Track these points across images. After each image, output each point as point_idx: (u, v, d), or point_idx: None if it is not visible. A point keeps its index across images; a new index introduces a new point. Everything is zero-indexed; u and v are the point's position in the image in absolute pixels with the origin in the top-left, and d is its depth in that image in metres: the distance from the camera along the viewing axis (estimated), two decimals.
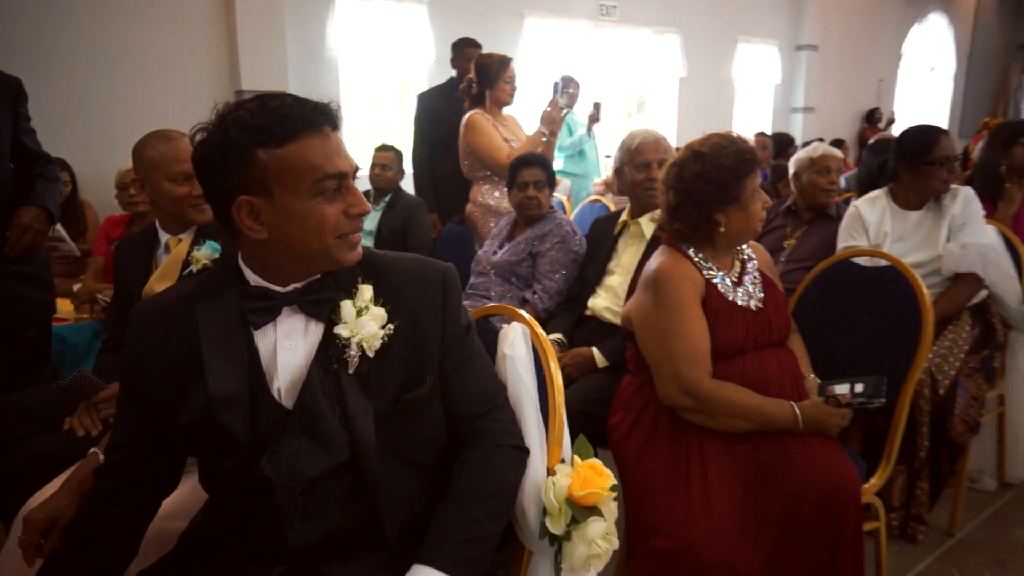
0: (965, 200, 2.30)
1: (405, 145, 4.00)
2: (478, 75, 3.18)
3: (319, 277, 1.03)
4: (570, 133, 4.79)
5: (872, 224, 2.37)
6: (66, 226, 3.23)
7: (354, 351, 1.00)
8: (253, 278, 1.02)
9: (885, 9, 9.79)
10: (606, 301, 2.18)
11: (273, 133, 0.92)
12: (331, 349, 1.01)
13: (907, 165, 2.34)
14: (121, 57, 4.22)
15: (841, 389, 1.57)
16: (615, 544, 1.12)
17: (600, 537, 1.09)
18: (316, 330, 1.02)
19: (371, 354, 1.01)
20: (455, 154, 3.36)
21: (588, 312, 2.22)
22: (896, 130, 7.83)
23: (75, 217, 3.65)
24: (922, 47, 10.67)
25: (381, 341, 1.01)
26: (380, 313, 1.02)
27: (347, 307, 1.01)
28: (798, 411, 1.53)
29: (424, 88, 4.61)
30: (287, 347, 1.01)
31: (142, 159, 1.75)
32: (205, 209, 1.78)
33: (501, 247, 2.61)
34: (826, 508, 1.47)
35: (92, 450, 1.45)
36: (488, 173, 3.19)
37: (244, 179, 0.93)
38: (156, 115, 4.15)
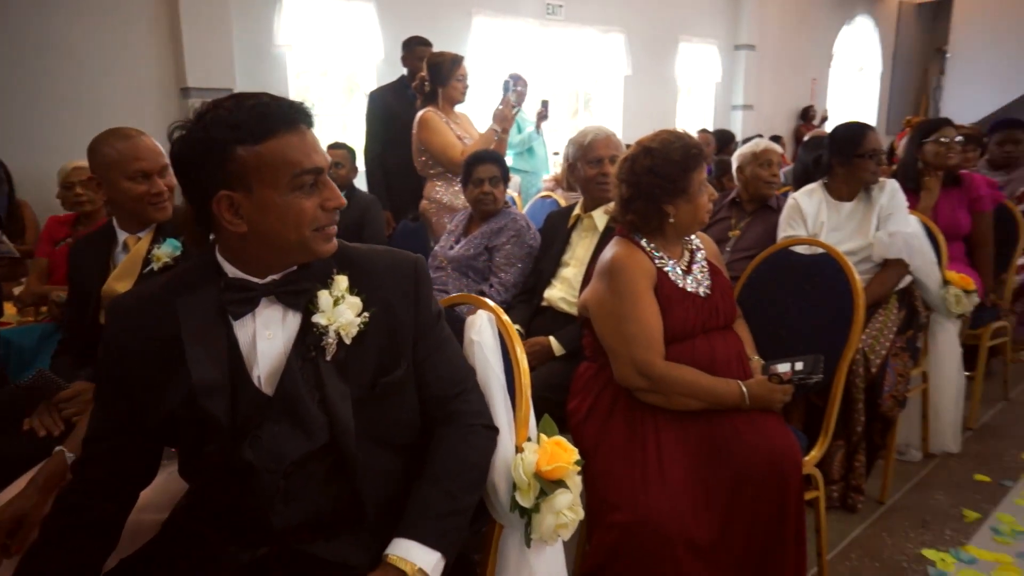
0: (891, 192, 2.47)
1: (352, 142, 4.01)
2: (431, 73, 3.22)
3: (295, 269, 1.07)
4: (519, 130, 4.87)
5: (810, 215, 2.53)
6: (2, 227, 3.13)
7: (332, 338, 1.05)
8: (231, 270, 1.05)
9: (816, 11, 10.22)
10: (562, 292, 2.26)
11: (252, 130, 0.96)
12: (309, 337, 1.05)
13: (840, 158, 2.50)
14: (60, 53, 4.10)
15: (783, 368, 1.68)
16: (581, 514, 1.20)
17: (567, 507, 1.17)
18: (294, 320, 1.07)
19: (348, 341, 1.06)
20: (407, 151, 3.39)
21: (544, 303, 2.30)
22: (829, 127, 8.19)
23: (13, 218, 3.54)
24: (851, 48, 11.19)
25: (358, 328, 1.06)
26: (356, 302, 1.07)
27: (324, 296, 1.06)
28: (744, 389, 1.64)
29: (373, 86, 4.62)
30: (266, 336, 1.05)
31: (99, 157, 1.73)
32: (165, 207, 1.78)
33: (457, 242, 2.66)
34: (771, 479, 1.58)
35: (58, 448, 1.44)
36: (442, 170, 3.23)
37: (224, 174, 0.97)
38: (97, 113, 4.08)
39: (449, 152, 3.13)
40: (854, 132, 2.50)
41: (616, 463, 1.60)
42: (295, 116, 1.00)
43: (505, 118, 3.14)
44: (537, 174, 5.00)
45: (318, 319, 1.04)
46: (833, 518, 2.22)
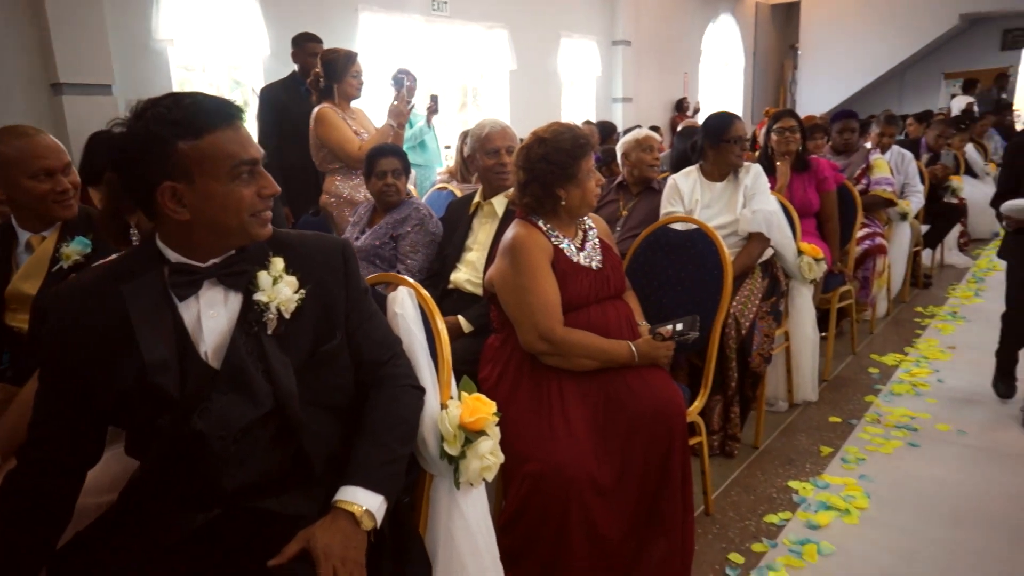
0: (755, 174, 2.82)
1: None
2: (325, 70, 3.28)
3: (234, 253, 1.17)
4: (410, 125, 4.96)
5: (686, 193, 2.83)
6: None
7: (273, 314, 1.15)
8: (174, 256, 1.13)
9: (684, 9, 10.92)
10: (467, 274, 2.41)
11: (191, 126, 1.05)
12: (251, 314, 1.15)
13: (710, 143, 2.82)
14: None
15: (665, 328, 1.93)
16: (501, 457, 1.37)
17: (489, 452, 1.34)
18: (235, 299, 1.16)
19: (287, 316, 1.17)
20: (303, 147, 3.43)
21: (451, 286, 2.45)
22: (701, 118, 8.83)
23: None
24: (717, 45, 12.03)
25: (295, 304, 1.17)
26: (292, 280, 1.18)
27: (264, 276, 1.16)
28: (634, 348, 1.87)
29: (260, 81, 4.57)
30: (210, 316, 1.14)
31: None
32: (71, 205, 1.79)
33: (363, 233, 2.75)
34: (659, 425, 1.81)
35: None
36: (341, 165, 3.30)
37: (167, 167, 1.05)
38: None
39: (347, 147, 3.21)
40: (721, 121, 2.83)
41: (526, 420, 1.78)
42: (230, 112, 1.10)
43: (400, 113, 3.25)
44: (430, 167, 5.12)
45: (259, 297, 1.15)
46: (716, 464, 2.53)
